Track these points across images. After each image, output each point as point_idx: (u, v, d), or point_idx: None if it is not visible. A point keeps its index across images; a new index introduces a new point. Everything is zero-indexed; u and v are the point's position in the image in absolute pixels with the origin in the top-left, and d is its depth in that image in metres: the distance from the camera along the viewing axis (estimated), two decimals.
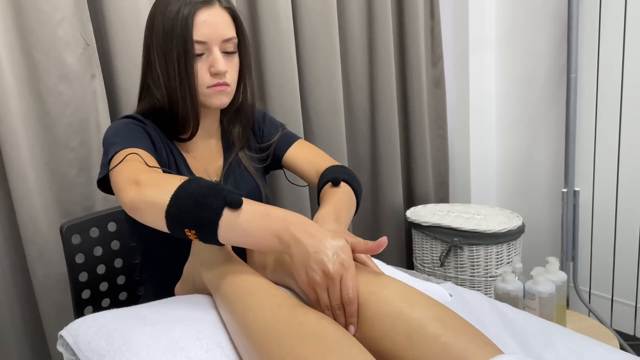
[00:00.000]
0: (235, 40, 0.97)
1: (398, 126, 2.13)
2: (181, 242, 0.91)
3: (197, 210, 0.70)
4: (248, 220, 0.71)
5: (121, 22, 1.45)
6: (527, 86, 2.18)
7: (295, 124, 1.82)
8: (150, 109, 1.00)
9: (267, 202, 1.13)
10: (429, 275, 2.03)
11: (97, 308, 1.28)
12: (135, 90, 1.47)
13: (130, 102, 1.49)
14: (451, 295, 0.82)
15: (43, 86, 1.36)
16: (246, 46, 1.02)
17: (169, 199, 0.72)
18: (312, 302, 0.70)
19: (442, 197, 2.37)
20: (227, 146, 1.12)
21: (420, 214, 2.07)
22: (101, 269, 1.29)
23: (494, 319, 0.85)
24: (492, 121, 2.33)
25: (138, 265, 1.20)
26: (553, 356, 0.73)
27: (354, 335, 0.66)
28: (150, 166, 0.84)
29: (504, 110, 2.29)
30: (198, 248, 0.87)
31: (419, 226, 2.01)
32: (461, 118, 2.31)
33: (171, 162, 1.01)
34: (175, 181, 0.75)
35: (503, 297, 1.35)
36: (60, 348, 0.69)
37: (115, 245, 1.32)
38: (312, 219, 0.84)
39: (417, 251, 2.08)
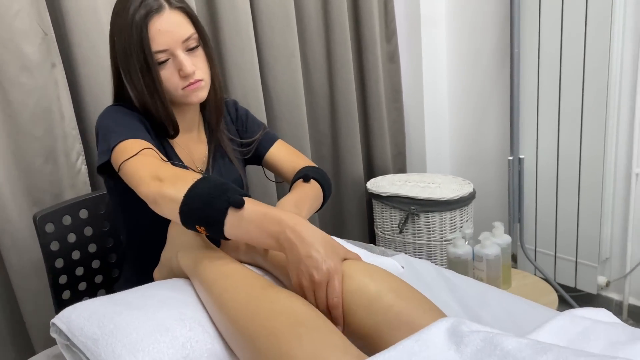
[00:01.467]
0: (196, 35, 0.99)
1: (356, 101, 2.21)
2: (165, 226, 0.97)
3: (206, 209, 0.77)
4: (248, 221, 0.77)
5: (78, 10, 1.46)
6: (475, 60, 2.29)
7: (256, 104, 1.88)
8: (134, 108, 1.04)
9: (247, 192, 1.22)
10: (388, 241, 2.15)
11: (74, 292, 1.34)
12: (96, 78, 1.51)
13: (92, 89, 1.51)
14: (403, 267, 0.93)
15: (4, 77, 1.37)
16: (206, 39, 1.05)
17: (183, 197, 0.78)
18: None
19: (400, 167, 2.48)
20: (210, 136, 1.17)
21: (379, 184, 2.18)
22: (76, 255, 1.34)
23: (439, 284, 0.96)
24: (444, 93, 2.44)
25: (122, 246, 1.25)
26: (489, 314, 0.85)
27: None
28: (165, 160, 0.89)
29: (454, 83, 2.40)
30: (174, 236, 0.94)
31: (378, 196, 2.12)
32: (415, 91, 2.40)
33: (162, 153, 1.04)
34: (190, 178, 0.80)
35: (454, 260, 1.48)
36: (53, 334, 0.76)
37: (88, 231, 1.37)
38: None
39: (377, 220, 2.19)
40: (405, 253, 2.11)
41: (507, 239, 1.51)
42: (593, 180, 1.93)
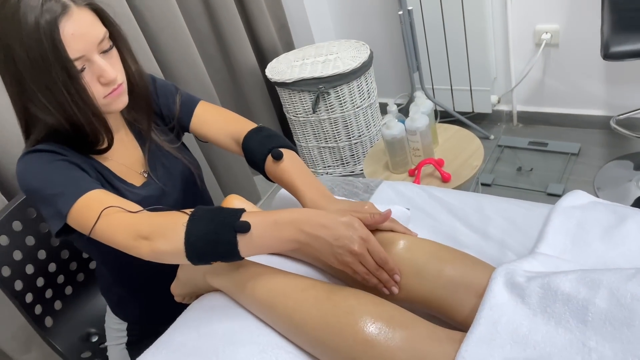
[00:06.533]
0: (107, 34, 0.85)
1: None
2: None
3: (214, 247, 0.75)
4: (261, 237, 0.76)
5: None
6: None
7: (127, 28, 1.66)
8: (49, 134, 0.88)
9: (199, 178, 1.13)
10: (303, 123, 2.18)
11: (44, 303, 1.28)
12: None
13: None
14: (408, 209, 0.98)
15: None
16: (119, 33, 0.90)
17: (184, 247, 0.75)
18: (350, 275, 0.80)
19: (287, 41, 2.40)
20: (138, 134, 1.04)
21: (279, 70, 2.13)
22: (30, 269, 1.25)
23: (436, 207, 1.03)
24: None
25: (97, 272, 1.17)
26: (495, 228, 0.95)
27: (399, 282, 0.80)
28: (132, 212, 0.81)
29: None
30: None
31: (283, 84, 2.08)
32: None
33: (100, 179, 0.94)
34: (177, 224, 0.77)
35: (392, 141, 1.57)
36: None
37: (30, 240, 1.25)
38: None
39: (287, 105, 2.18)
40: (323, 129, 2.17)
41: (429, 105, 1.61)
42: (475, 13, 2.03)
